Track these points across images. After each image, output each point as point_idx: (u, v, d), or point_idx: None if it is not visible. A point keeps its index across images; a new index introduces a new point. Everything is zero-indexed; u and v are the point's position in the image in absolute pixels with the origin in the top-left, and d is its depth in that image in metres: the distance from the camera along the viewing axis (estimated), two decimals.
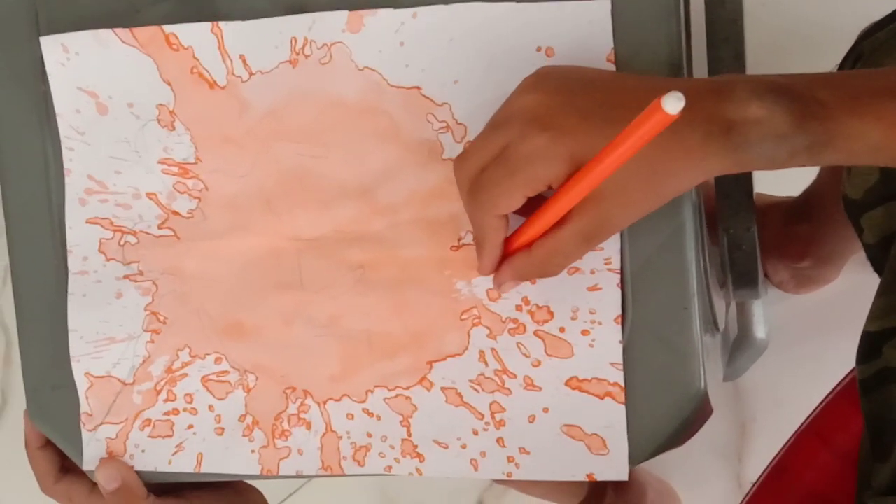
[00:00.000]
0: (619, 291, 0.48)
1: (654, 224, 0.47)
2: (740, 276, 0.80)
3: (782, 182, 0.79)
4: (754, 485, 0.72)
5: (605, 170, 0.38)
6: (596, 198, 0.41)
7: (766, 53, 0.99)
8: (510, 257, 0.45)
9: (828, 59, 1.00)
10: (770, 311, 1.01)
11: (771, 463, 0.74)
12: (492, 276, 0.47)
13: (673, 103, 0.32)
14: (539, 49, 0.47)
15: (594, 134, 0.40)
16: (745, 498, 0.71)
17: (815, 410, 0.76)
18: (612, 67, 0.47)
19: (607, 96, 0.42)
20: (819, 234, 0.88)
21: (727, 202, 0.77)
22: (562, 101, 0.42)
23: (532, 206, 0.43)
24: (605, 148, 0.37)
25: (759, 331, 0.89)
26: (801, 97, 0.39)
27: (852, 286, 1.00)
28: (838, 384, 0.74)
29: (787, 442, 0.75)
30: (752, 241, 0.79)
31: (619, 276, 0.48)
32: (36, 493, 0.55)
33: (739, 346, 0.90)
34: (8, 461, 1.03)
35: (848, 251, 0.91)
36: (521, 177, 0.41)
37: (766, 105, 0.39)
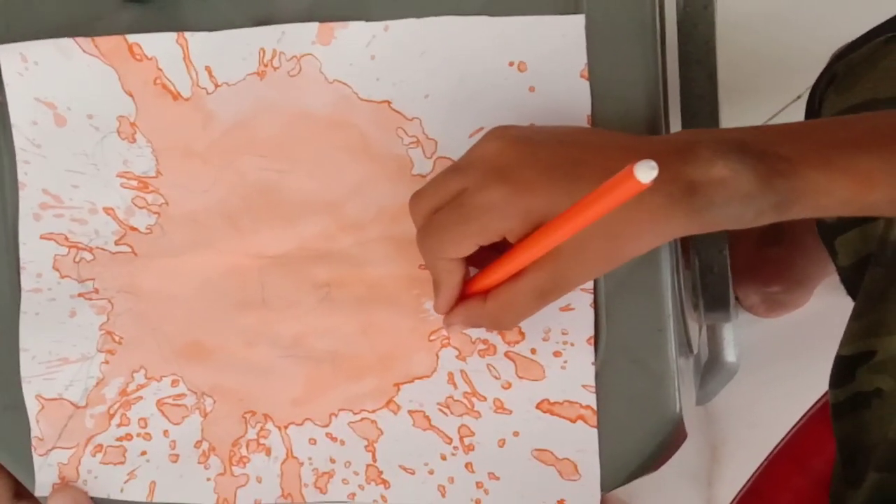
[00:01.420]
0: (592, 311, 0.46)
1: None
2: (712, 298, 0.79)
3: None
4: None
5: (567, 232, 0.37)
6: (553, 256, 0.40)
7: (738, 74, 1.00)
8: (465, 301, 0.44)
9: (798, 81, 1.01)
10: (741, 334, 1.00)
11: (744, 486, 0.74)
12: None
13: (646, 172, 0.31)
14: (511, 63, 0.46)
15: (554, 191, 0.39)
16: None
17: (788, 433, 0.75)
18: (586, 83, 0.46)
19: (572, 152, 0.41)
20: (790, 258, 0.88)
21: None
22: (525, 153, 0.41)
23: (490, 255, 0.42)
24: (569, 210, 0.36)
25: (730, 354, 0.89)
26: (765, 155, 0.38)
27: (822, 310, 1.01)
28: (812, 407, 0.74)
29: (761, 465, 0.74)
30: (723, 264, 0.78)
31: (592, 295, 0.46)
32: None
33: (710, 370, 0.89)
34: None
35: (819, 275, 0.91)
36: (473, 226, 0.41)
37: (729, 165, 0.38)
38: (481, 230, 0.40)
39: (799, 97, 1.00)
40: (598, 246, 0.40)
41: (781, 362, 1.01)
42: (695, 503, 1.00)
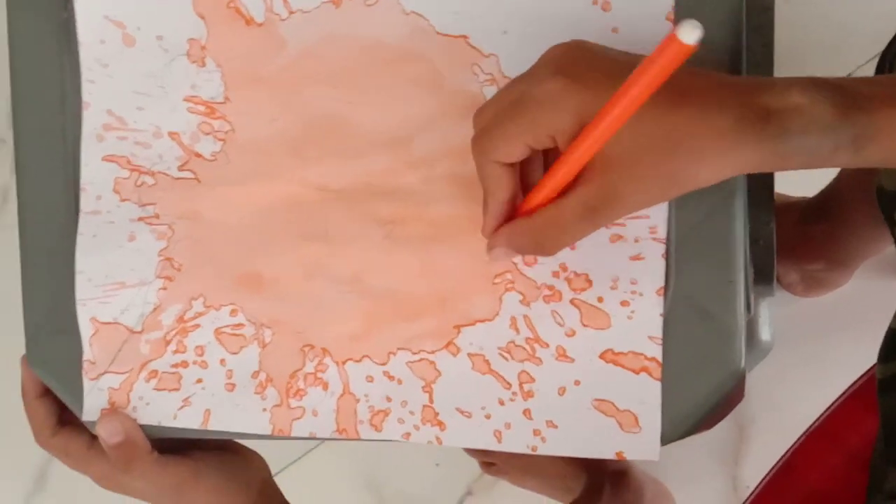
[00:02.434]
0: (663, 262, 0.46)
1: (703, 190, 0.44)
2: (756, 271, 0.79)
3: (799, 182, 0.78)
4: (760, 483, 0.71)
5: (615, 119, 0.35)
6: (605, 166, 0.38)
7: (786, 51, 0.98)
8: (509, 222, 0.43)
9: (851, 56, 1.00)
10: (775, 312, 0.99)
11: (777, 463, 0.73)
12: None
13: (689, 32, 0.29)
14: (595, 2, 0.45)
15: (612, 89, 0.37)
16: (749, 496, 0.70)
17: (825, 412, 0.75)
18: (671, 27, 0.45)
19: (635, 65, 0.39)
20: (835, 235, 0.87)
21: (746, 195, 0.76)
22: (588, 56, 0.39)
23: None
24: (615, 94, 0.34)
25: (765, 332, 0.88)
26: (844, 90, 0.37)
27: (857, 291, 1.00)
28: (852, 385, 0.73)
29: (796, 442, 0.74)
30: (769, 236, 0.77)
31: (664, 246, 0.46)
32: (13, 453, 0.52)
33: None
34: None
35: (862, 254, 0.90)
36: (524, 120, 0.39)
37: (808, 94, 0.37)
38: (531, 124, 0.39)
39: (849, 75, 0.99)
40: (655, 161, 0.38)
41: (815, 343, 1.00)
42: (721, 481, 1.00)
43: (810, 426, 0.75)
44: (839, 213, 0.83)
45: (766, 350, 0.89)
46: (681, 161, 0.37)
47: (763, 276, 0.82)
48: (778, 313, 1.03)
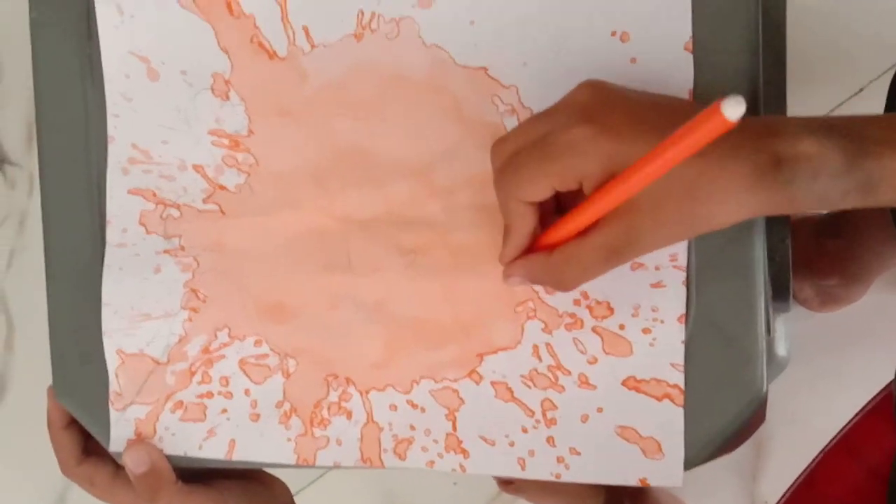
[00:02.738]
0: (684, 290, 0.46)
1: None
2: (772, 287, 0.79)
3: None
4: (780, 499, 0.71)
5: (647, 177, 0.36)
6: (628, 210, 0.39)
7: (797, 66, 0.98)
8: (529, 254, 0.44)
9: (861, 74, 1.00)
10: (791, 327, 0.99)
11: (798, 478, 0.73)
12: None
13: (733, 107, 0.30)
14: (614, 33, 0.46)
15: (640, 139, 0.39)
16: None
17: (845, 426, 0.75)
18: (690, 56, 0.45)
19: (662, 109, 0.40)
20: (850, 251, 0.87)
21: (764, 219, 0.77)
22: (614, 101, 0.40)
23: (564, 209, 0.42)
24: (650, 153, 0.35)
25: (781, 348, 0.88)
26: (853, 135, 0.38)
27: (873, 306, 1.00)
28: (871, 400, 0.73)
29: (816, 457, 0.74)
30: (785, 253, 0.77)
31: (684, 273, 0.46)
32: (34, 476, 0.53)
33: None
34: (6, 445, 1.01)
35: (877, 269, 0.90)
36: (552, 165, 0.40)
37: (818, 141, 0.38)
38: (560, 170, 0.40)
39: (861, 90, 0.99)
40: (676, 206, 0.39)
41: (830, 358, 1.00)
42: (739, 497, 1.00)
43: (830, 441, 0.75)
44: (854, 229, 0.84)
45: (783, 365, 0.89)
46: (701, 206, 0.39)
47: (779, 293, 0.83)
48: (793, 328, 1.04)
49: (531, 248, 0.44)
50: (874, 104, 0.94)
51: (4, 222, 1.11)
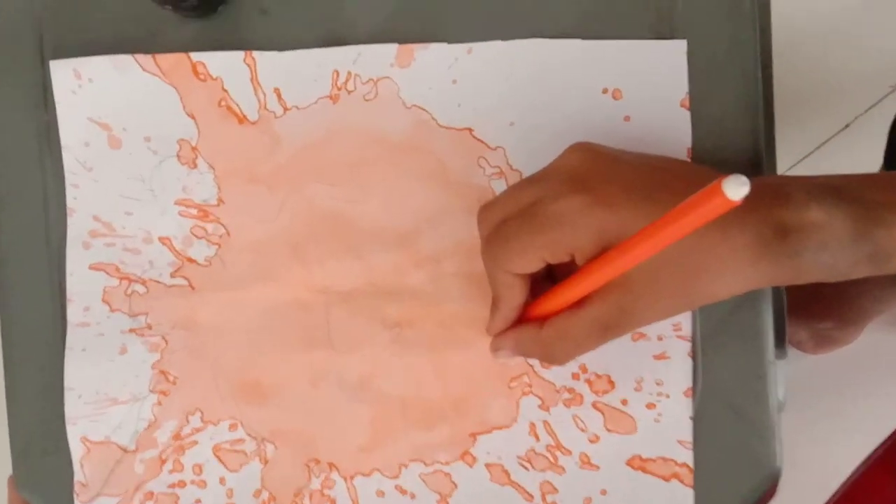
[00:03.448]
0: (689, 361, 0.43)
1: None
2: None
3: None
4: None
5: (643, 253, 0.33)
6: (622, 285, 0.37)
7: (790, 99, 0.97)
8: (518, 326, 0.41)
9: (846, 109, 0.98)
10: (784, 371, 0.97)
11: (836, 493, 0.71)
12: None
13: (735, 188, 0.28)
14: (605, 91, 0.43)
15: (633, 211, 0.36)
16: None
17: (849, 479, 0.73)
18: (686, 113, 0.43)
19: (657, 175, 0.38)
20: (845, 293, 0.85)
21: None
22: (607, 168, 0.38)
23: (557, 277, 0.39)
24: (647, 227, 0.33)
25: (779, 392, 0.86)
26: (861, 201, 0.36)
27: (867, 347, 0.97)
28: (875, 451, 0.71)
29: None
30: (780, 300, 0.76)
31: (689, 343, 0.43)
32: None
33: None
34: None
35: (872, 312, 0.88)
36: (542, 238, 0.37)
37: (824, 209, 0.35)
38: (551, 242, 0.37)
39: (848, 125, 0.98)
40: (674, 280, 0.37)
41: (828, 401, 0.98)
42: None
43: (834, 495, 0.73)
44: None
45: (779, 409, 0.87)
46: (701, 280, 0.36)
47: (775, 339, 0.80)
48: (788, 371, 1.01)
49: (521, 318, 0.41)
50: (861, 139, 0.92)
51: None
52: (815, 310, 0.88)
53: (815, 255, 0.35)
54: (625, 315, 0.37)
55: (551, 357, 0.40)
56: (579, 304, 0.38)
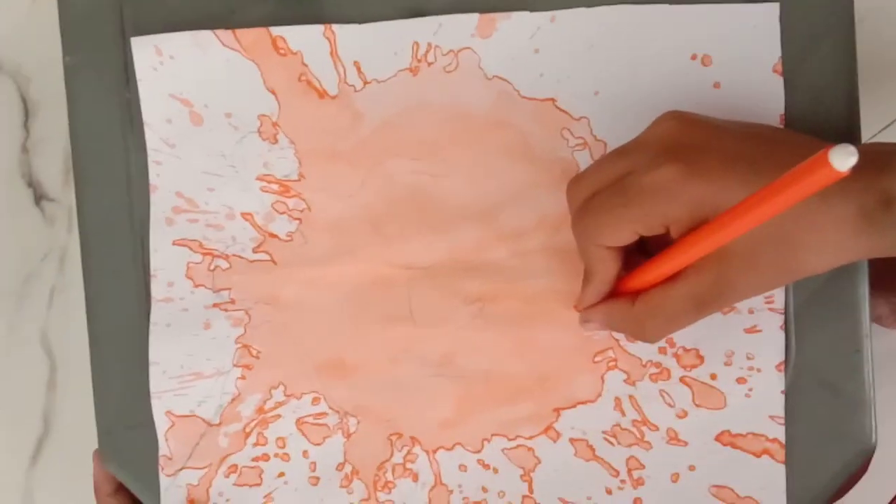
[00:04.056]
0: (782, 334, 0.42)
1: None
2: None
3: None
4: None
5: (742, 226, 0.32)
6: (719, 258, 0.36)
7: (870, 68, 0.94)
8: (610, 300, 0.40)
9: None
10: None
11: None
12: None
13: (843, 158, 0.26)
14: (694, 57, 0.42)
15: (732, 182, 0.35)
16: None
17: None
18: (780, 79, 0.41)
19: (756, 144, 0.36)
20: None
21: None
22: (704, 136, 0.36)
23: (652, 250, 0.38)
24: (748, 199, 0.31)
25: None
26: None
27: None
28: None
29: None
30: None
31: (782, 316, 0.42)
32: None
33: None
34: (52, 491, 0.99)
35: None
36: (636, 210, 0.36)
37: None
38: (645, 215, 0.36)
39: None
40: (773, 253, 0.35)
41: None
42: None
43: None
44: None
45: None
46: (800, 253, 0.35)
47: None
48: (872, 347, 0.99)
49: (612, 292, 0.40)
50: None
51: (44, 260, 1.10)
52: (895, 282, 0.86)
53: None
54: (721, 290, 0.36)
55: (642, 333, 0.39)
56: (673, 278, 0.37)
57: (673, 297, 0.37)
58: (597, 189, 0.38)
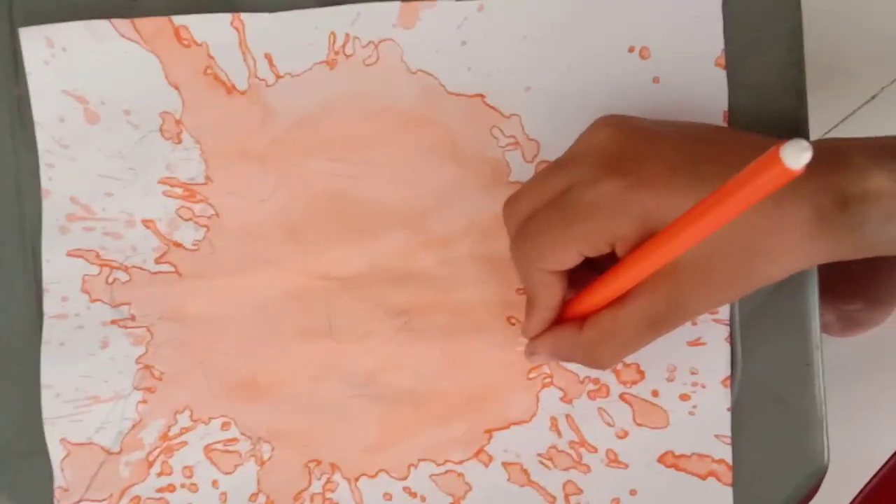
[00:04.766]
0: (727, 347, 0.39)
1: None
2: None
3: None
4: None
5: (692, 237, 0.29)
6: (669, 274, 0.33)
7: (816, 69, 0.93)
8: (556, 328, 0.37)
9: (877, 79, 0.94)
10: None
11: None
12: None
13: (796, 154, 0.23)
14: (632, 49, 0.39)
15: (678, 190, 0.32)
16: None
17: (882, 468, 0.70)
18: (722, 72, 0.39)
19: (699, 148, 0.33)
20: (874, 274, 0.80)
21: None
22: (643, 143, 0.34)
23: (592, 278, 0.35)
24: (695, 207, 0.29)
25: None
26: None
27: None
28: None
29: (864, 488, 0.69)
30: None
31: (727, 328, 0.39)
32: None
33: None
34: None
35: None
36: (579, 229, 0.33)
37: (889, 174, 0.31)
38: (588, 234, 0.33)
39: (874, 97, 0.93)
40: (727, 264, 0.33)
41: (854, 385, 0.94)
42: None
43: (867, 484, 0.70)
44: None
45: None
46: (757, 262, 0.33)
47: None
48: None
49: (558, 318, 0.37)
50: (888, 110, 0.88)
51: None
52: (844, 290, 0.84)
53: (879, 227, 0.31)
54: (675, 307, 0.33)
55: (595, 360, 0.36)
56: (623, 299, 0.34)
57: (623, 319, 0.34)
58: (535, 208, 0.35)
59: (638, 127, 0.34)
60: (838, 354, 0.94)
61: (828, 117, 0.93)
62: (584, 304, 0.36)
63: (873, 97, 0.93)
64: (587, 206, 0.33)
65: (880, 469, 0.70)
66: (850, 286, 0.83)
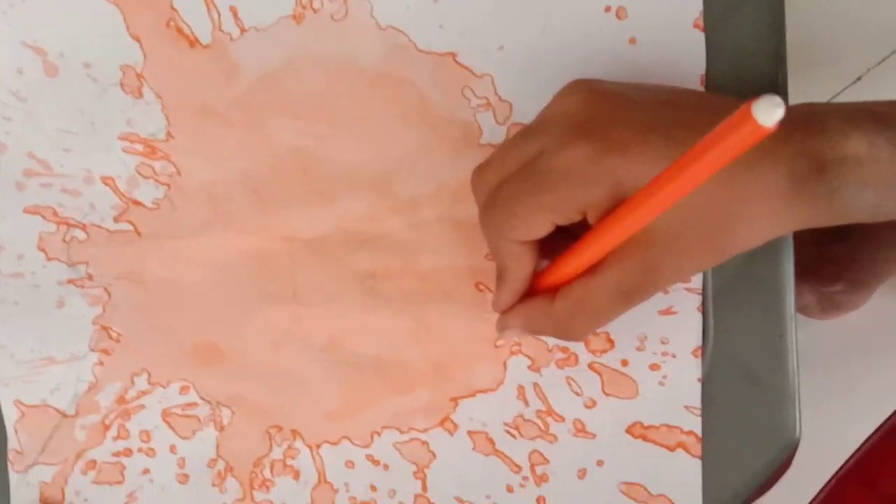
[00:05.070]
0: (699, 317, 0.38)
1: None
2: None
3: None
4: None
5: (664, 199, 0.28)
6: (642, 242, 0.32)
7: (800, 50, 0.92)
8: (527, 300, 0.36)
9: (862, 61, 0.93)
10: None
11: None
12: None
13: (768, 110, 0.22)
14: (608, 9, 0.38)
15: (650, 154, 0.31)
16: None
17: (858, 450, 0.69)
18: (700, 35, 0.37)
19: (671, 112, 0.32)
20: (857, 255, 0.80)
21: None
22: (614, 108, 0.32)
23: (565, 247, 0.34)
24: (668, 169, 0.28)
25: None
26: None
27: (876, 312, 0.93)
28: (885, 422, 0.68)
29: (827, 485, 0.68)
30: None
31: (699, 297, 0.38)
32: None
33: None
34: None
35: (883, 275, 0.83)
36: (549, 197, 0.32)
37: (867, 139, 0.30)
38: (558, 201, 0.32)
39: (859, 78, 0.92)
40: (700, 231, 0.32)
41: (833, 368, 0.93)
42: None
43: (841, 468, 0.69)
44: (862, 232, 0.76)
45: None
46: (731, 228, 0.31)
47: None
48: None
49: (530, 290, 0.36)
50: (872, 93, 0.87)
51: None
52: (824, 272, 0.83)
53: (857, 192, 0.30)
54: (648, 276, 0.32)
55: (567, 332, 0.35)
56: (595, 268, 0.33)
57: (595, 289, 0.33)
58: (504, 177, 0.34)
59: (609, 91, 0.33)
60: (817, 338, 0.94)
61: (811, 99, 0.92)
62: (555, 275, 0.35)
63: (858, 79, 0.92)
64: (557, 173, 0.32)
65: (856, 451, 0.69)
66: (830, 268, 0.83)
